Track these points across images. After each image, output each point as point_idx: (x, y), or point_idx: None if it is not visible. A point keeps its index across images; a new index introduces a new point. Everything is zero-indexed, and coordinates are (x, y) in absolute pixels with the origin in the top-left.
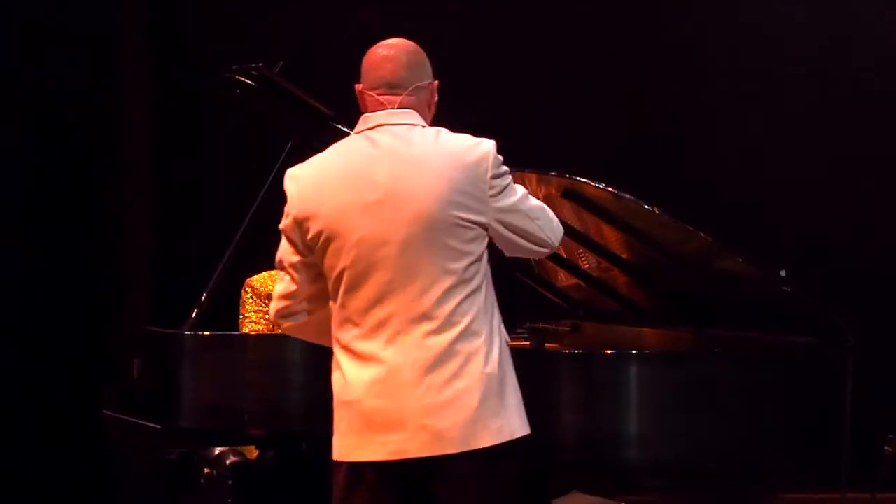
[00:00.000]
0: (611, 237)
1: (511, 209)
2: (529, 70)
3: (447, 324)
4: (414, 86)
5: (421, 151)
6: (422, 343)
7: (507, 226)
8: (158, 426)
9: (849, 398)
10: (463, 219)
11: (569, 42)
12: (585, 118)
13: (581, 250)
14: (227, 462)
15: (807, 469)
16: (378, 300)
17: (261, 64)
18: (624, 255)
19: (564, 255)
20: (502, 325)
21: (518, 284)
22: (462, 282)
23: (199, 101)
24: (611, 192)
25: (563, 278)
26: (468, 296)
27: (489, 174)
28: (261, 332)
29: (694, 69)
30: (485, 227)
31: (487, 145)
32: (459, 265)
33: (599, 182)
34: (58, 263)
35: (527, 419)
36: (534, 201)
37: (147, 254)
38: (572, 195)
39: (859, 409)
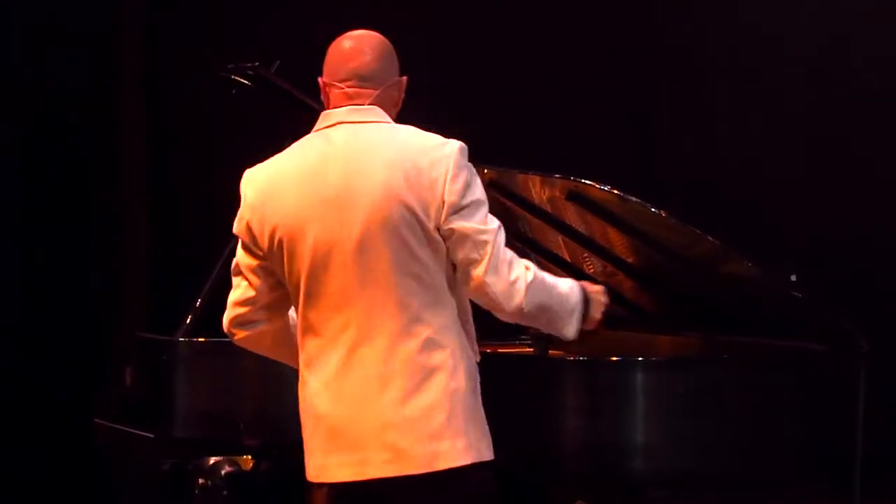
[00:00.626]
0: (616, 240)
1: (462, 232)
2: (529, 70)
3: (407, 333)
4: (387, 84)
5: (376, 147)
6: (381, 354)
7: (450, 246)
8: (151, 435)
9: (862, 405)
10: (421, 216)
11: (569, 42)
12: (585, 118)
13: (586, 254)
14: (223, 472)
15: (818, 478)
16: (337, 308)
17: (257, 63)
18: (629, 259)
19: (569, 260)
20: (475, 343)
21: None
22: (424, 288)
23: (198, 101)
24: (616, 194)
25: None
26: (431, 304)
27: (449, 174)
28: None
29: (694, 69)
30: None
31: (453, 146)
32: (420, 269)
33: (604, 184)
34: (57, 264)
35: (492, 445)
36: (503, 251)
37: (146, 255)
38: (577, 198)
39: (868, 417)
